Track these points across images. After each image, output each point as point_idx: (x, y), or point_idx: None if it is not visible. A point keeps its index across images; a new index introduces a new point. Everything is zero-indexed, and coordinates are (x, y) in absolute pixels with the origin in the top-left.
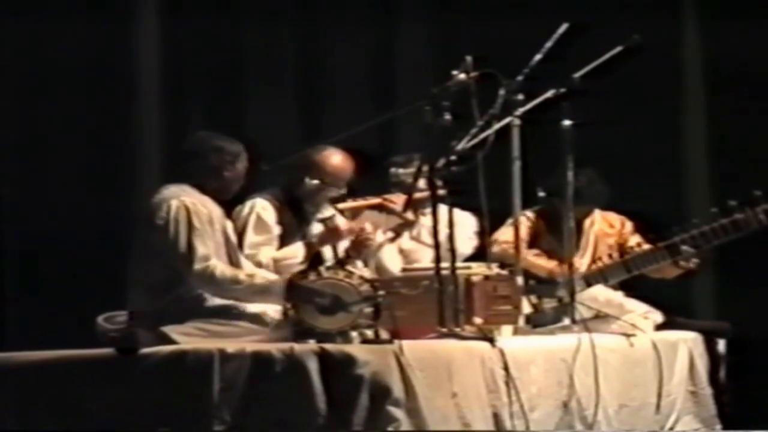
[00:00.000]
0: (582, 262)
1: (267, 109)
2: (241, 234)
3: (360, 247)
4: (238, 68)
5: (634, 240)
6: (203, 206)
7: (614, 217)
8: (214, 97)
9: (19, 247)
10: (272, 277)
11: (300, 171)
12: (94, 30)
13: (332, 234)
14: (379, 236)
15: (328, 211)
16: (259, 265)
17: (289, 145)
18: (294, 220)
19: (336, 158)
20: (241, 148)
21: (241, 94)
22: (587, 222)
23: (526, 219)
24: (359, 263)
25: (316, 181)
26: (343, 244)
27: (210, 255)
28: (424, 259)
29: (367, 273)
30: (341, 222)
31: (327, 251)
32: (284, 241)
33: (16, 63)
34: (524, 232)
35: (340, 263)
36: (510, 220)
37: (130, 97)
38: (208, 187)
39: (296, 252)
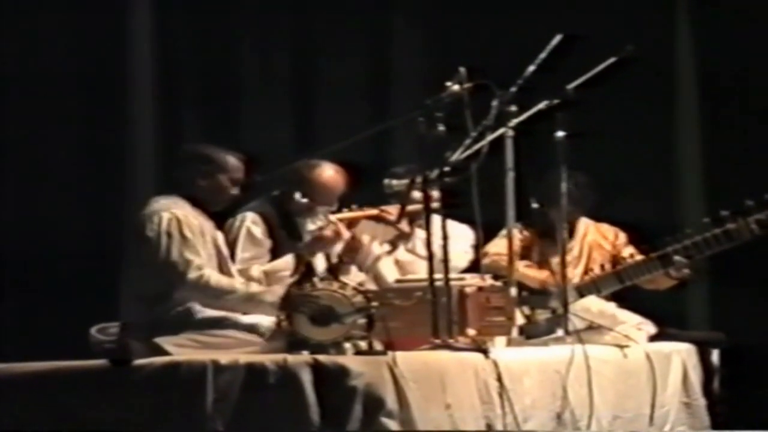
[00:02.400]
0: (575, 273)
1: (261, 118)
2: (232, 248)
3: (353, 252)
4: (233, 76)
5: (628, 252)
6: (194, 218)
7: (607, 229)
8: (208, 105)
9: (11, 258)
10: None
11: (291, 185)
12: (87, 35)
13: (319, 241)
14: (377, 248)
15: (319, 222)
16: (250, 279)
17: (282, 154)
18: (285, 233)
19: (327, 175)
20: (231, 159)
21: (235, 102)
22: (581, 232)
23: (518, 231)
24: (353, 268)
25: (305, 200)
26: (336, 251)
27: (204, 264)
28: (420, 271)
29: (363, 278)
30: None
31: (319, 262)
32: (276, 254)
33: (10, 68)
34: (516, 244)
35: (332, 270)
36: (502, 233)
37: (124, 104)
38: (199, 199)
39: (287, 264)
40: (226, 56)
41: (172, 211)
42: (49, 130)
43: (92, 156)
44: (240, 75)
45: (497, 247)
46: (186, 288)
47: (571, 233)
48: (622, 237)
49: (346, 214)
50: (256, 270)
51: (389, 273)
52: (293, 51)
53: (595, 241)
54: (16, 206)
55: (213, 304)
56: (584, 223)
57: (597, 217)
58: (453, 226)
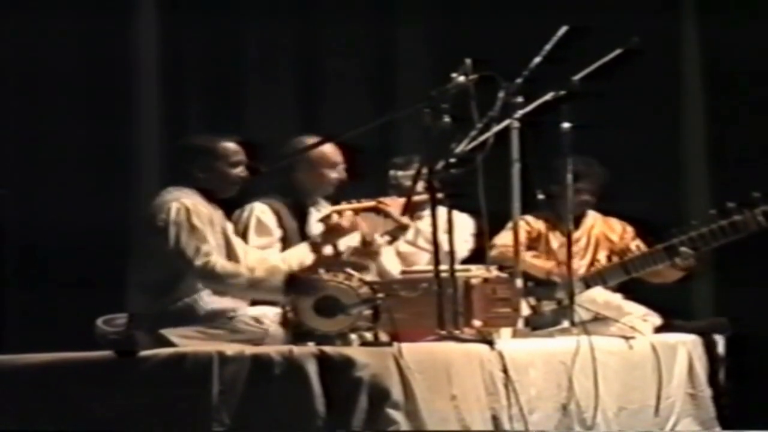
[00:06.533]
0: (581, 264)
1: (266, 110)
2: (242, 238)
3: (370, 252)
4: (238, 68)
5: (635, 245)
6: (204, 207)
7: (615, 222)
8: (214, 98)
9: (17, 249)
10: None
11: (292, 165)
12: (92, 29)
13: (334, 231)
14: (377, 240)
15: (325, 209)
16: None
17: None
18: (294, 222)
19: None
20: (225, 144)
21: (240, 95)
22: (588, 224)
23: (525, 223)
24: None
25: (310, 165)
26: (345, 242)
27: (211, 251)
28: (421, 262)
29: (372, 276)
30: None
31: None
32: (286, 244)
33: (14, 63)
34: (523, 235)
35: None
36: (510, 224)
37: (129, 98)
38: (207, 188)
39: (303, 254)
40: (231, 50)
41: (182, 201)
42: (57, 123)
43: (99, 149)
44: (245, 68)
45: (505, 238)
46: (193, 275)
47: (577, 224)
48: (630, 230)
49: (344, 206)
50: (273, 256)
51: (391, 264)
52: (298, 43)
53: (603, 233)
54: (24, 198)
55: (219, 290)
56: (592, 216)
57: (605, 211)
58: (453, 215)
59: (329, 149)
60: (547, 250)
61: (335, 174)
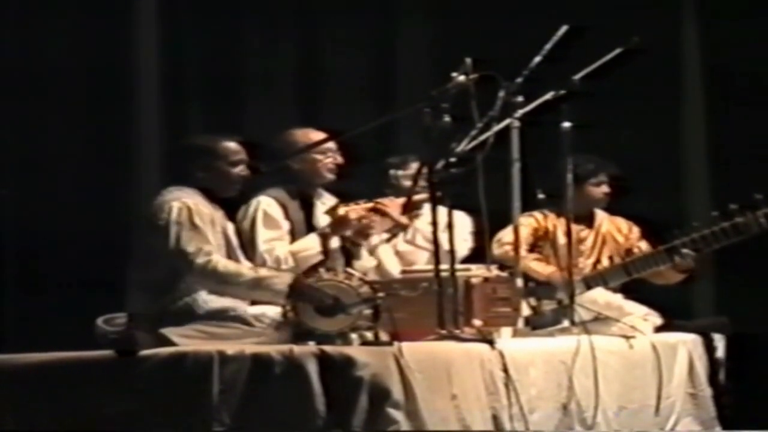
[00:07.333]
0: (587, 263)
1: (266, 111)
2: (251, 232)
3: (366, 231)
4: (238, 70)
5: (641, 246)
6: (205, 207)
7: (622, 222)
8: (214, 99)
9: (17, 248)
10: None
11: (287, 158)
12: (93, 31)
13: (342, 223)
14: (375, 238)
15: (329, 201)
16: (277, 259)
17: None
18: (301, 214)
19: (311, 131)
20: (225, 144)
21: (240, 96)
22: (596, 223)
23: (534, 220)
24: (364, 253)
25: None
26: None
27: (212, 250)
28: (420, 261)
29: (372, 262)
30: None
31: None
32: (294, 237)
33: (15, 64)
34: (528, 233)
35: (346, 251)
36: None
37: (129, 98)
38: (208, 188)
39: (312, 243)
40: (232, 51)
41: (183, 201)
42: (57, 125)
43: (100, 150)
44: (246, 69)
45: (509, 236)
46: (194, 274)
47: (591, 222)
48: (636, 231)
49: (343, 208)
50: (281, 250)
51: (390, 263)
52: (298, 43)
53: (609, 232)
54: (24, 198)
55: (220, 290)
56: (600, 215)
57: (612, 211)
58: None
59: (316, 136)
60: (553, 248)
61: (329, 159)
